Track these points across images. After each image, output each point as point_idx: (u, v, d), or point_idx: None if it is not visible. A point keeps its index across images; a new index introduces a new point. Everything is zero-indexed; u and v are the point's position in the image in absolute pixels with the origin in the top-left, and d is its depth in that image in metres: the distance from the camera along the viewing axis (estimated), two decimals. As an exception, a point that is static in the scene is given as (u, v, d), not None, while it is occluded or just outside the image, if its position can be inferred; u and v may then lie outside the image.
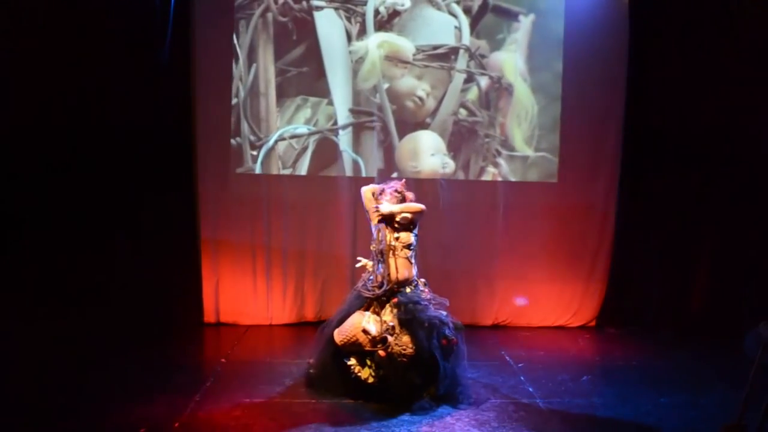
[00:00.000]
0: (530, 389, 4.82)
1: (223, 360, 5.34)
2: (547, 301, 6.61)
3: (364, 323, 4.39)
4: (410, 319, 4.37)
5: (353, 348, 4.40)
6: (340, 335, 4.43)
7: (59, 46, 5.84)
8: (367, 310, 4.52)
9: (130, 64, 5.99)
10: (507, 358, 5.56)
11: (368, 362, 4.39)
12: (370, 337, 4.35)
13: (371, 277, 4.57)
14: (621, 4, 6.42)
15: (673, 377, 5.15)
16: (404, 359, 4.31)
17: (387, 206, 4.55)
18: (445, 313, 4.52)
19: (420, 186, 6.17)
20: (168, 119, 6.09)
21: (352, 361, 4.41)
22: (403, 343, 4.33)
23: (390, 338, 4.33)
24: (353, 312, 4.52)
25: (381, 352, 4.31)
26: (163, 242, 6.14)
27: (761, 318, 3.75)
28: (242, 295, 6.41)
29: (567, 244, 6.56)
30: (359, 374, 4.39)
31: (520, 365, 5.35)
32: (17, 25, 5.74)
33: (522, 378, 5.05)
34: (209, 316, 6.35)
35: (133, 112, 6.01)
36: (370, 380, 4.37)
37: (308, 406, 4.39)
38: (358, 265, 4.73)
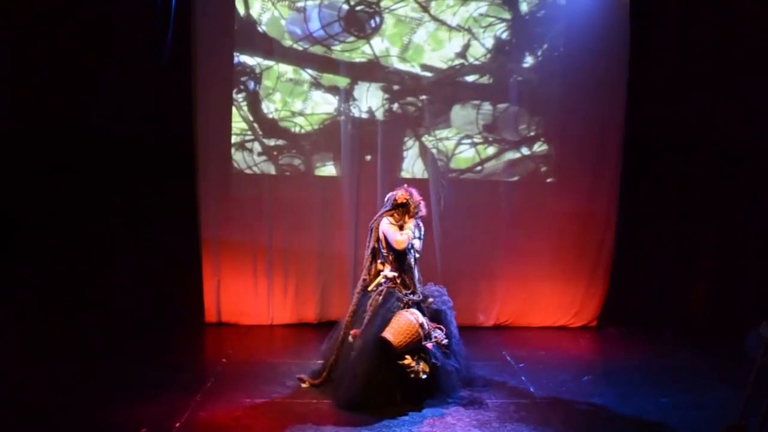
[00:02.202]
0: (531, 389, 4.82)
1: (224, 360, 5.34)
2: (548, 301, 6.60)
3: (421, 319, 4.43)
4: (443, 309, 4.64)
5: (411, 346, 4.36)
6: (398, 337, 4.31)
7: (60, 47, 5.85)
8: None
9: (130, 64, 5.99)
10: (508, 358, 5.56)
11: (422, 356, 4.42)
12: (424, 332, 4.39)
13: (385, 281, 4.60)
14: (621, 4, 6.41)
15: (674, 377, 5.15)
16: (445, 347, 4.51)
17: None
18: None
19: (422, 186, 6.17)
20: (168, 119, 6.09)
21: (408, 360, 4.36)
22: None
23: (440, 331, 4.50)
24: (394, 313, 4.46)
25: (429, 345, 4.39)
26: (164, 242, 6.15)
27: (762, 318, 3.75)
28: (243, 295, 6.41)
29: (568, 244, 6.55)
30: (418, 371, 4.37)
31: (521, 365, 5.35)
32: (18, 25, 5.74)
33: (523, 378, 5.05)
34: (210, 316, 6.35)
35: (133, 113, 6.01)
36: (426, 374, 4.39)
37: (309, 406, 4.39)
38: (386, 276, 4.65)
